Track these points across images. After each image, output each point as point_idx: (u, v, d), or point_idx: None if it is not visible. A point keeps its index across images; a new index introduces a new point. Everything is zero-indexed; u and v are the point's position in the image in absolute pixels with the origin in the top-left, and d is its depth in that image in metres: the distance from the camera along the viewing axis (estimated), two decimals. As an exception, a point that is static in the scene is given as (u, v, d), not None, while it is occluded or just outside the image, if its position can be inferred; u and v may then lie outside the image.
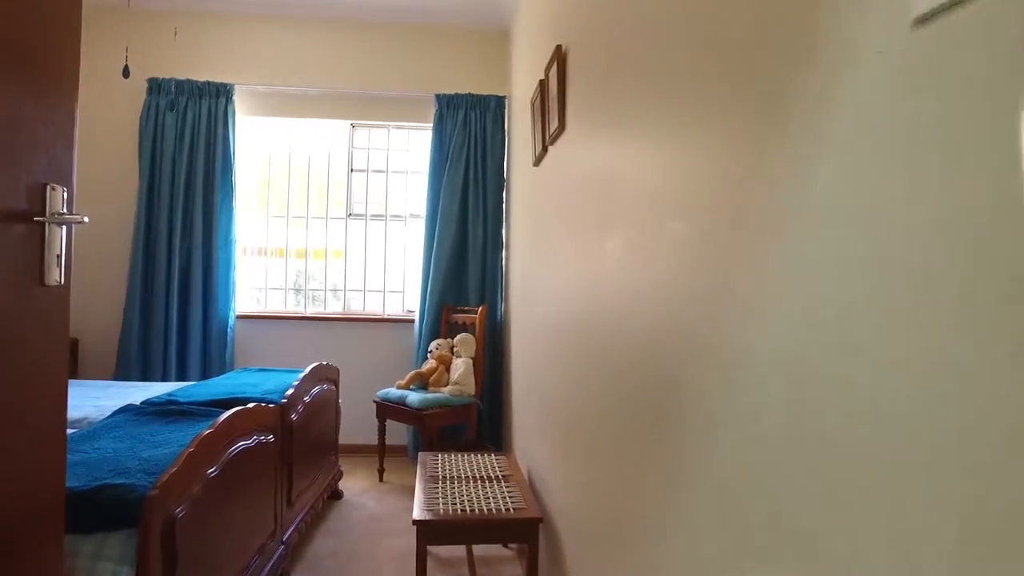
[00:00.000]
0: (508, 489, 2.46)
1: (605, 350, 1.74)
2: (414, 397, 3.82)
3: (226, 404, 2.64)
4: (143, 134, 4.38)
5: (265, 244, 4.86)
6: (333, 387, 3.65)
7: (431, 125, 4.60)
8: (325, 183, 4.80)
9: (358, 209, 4.81)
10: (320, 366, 3.35)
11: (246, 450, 2.26)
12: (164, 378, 4.30)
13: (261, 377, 3.44)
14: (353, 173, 4.81)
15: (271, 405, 2.55)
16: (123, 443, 2.08)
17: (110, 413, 2.56)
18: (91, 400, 3.11)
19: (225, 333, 4.40)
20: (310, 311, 4.71)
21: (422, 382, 4.09)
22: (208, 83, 4.41)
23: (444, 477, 2.58)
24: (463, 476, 2.61)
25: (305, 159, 4.78)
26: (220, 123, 4.41)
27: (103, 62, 4.52)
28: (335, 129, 4.81)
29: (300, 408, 2.89)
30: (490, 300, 4.50)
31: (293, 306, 4.81)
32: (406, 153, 4.84)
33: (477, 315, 4.20)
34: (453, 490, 2.43)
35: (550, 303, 2.66)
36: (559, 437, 2.35)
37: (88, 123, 4.49)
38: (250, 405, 2.39)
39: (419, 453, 3.07)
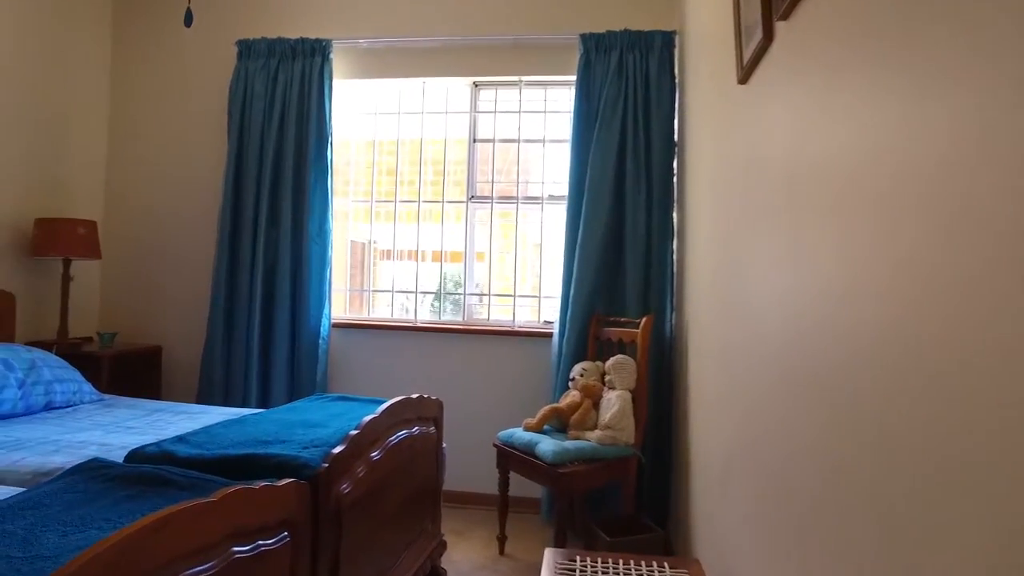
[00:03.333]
0: None
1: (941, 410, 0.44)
2: (548, 445, 2.66)
3: (241, 465, 1.64)
4: (232, 107, 3.65)
5: (368, 237, 3.96)
6: (433, 427, 2.59)
7: (574, 77, 3.45)
8: (441, 159, 3.81)
9: (482, 191, 3.77)
10: (406, 401, 2.28)
11: (230, 566, 1.22)
12: (245, 400, 3.49)
13: (334, 411, 2.46)
14: (476, 145, 3.78)
15: (294, 482, 1.50)
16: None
17: (68, 469, 1.64)
18: (118, 432, 2.30)
19: (316, 345, 3.52)
20: (421, 320, 3.73)
21: (560, 422, 2.93)
22: (301, 40, 3.59)
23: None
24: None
25: (415, 129, 3.82)
26: (315, 87, 3.56)
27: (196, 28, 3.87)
28: (453, 91, 3.81)
29: (360, 472, 1.83)
30: (656, 309, 3.24)
31: (401, 313, 3.85)
32: (542, 117, 3.73)
33: (639, 329, 2.96)
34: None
35: (780, 317, 1.40)
36: (812, 555, 1.07)
37: (178, 101, 3.85)
38: (257, 484, 1.36)
39: (546, 550, 1.91)
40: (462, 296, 3.77)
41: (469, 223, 3.75)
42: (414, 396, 2.36)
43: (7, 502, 1.40)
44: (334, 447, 1.77)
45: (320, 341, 3.53)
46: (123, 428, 2.43)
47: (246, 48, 3.65)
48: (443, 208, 3.79)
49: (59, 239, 3.35)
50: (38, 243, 3.35)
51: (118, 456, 1.96)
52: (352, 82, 3.74)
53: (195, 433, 2.02)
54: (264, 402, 3.50)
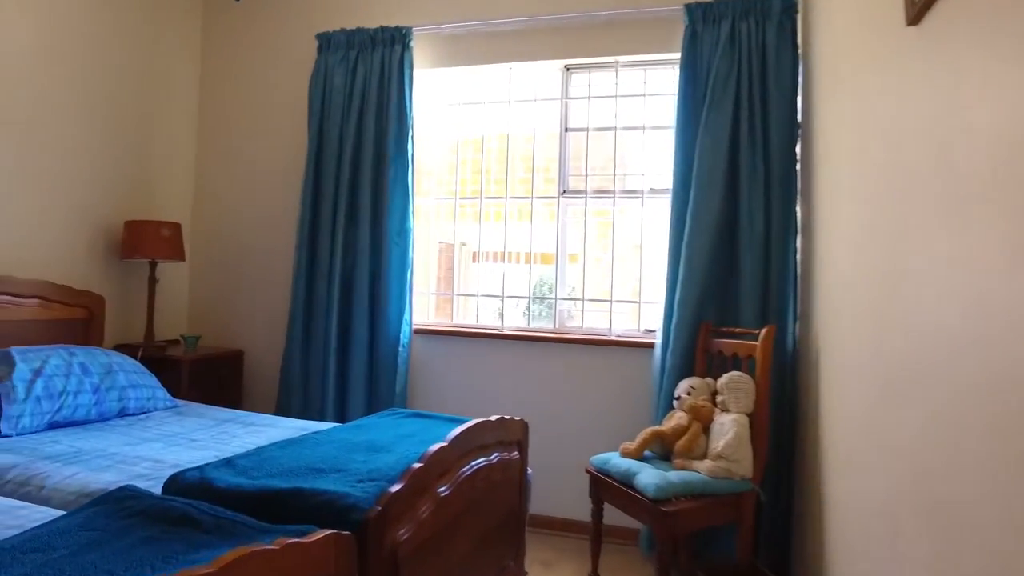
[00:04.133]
0: None
1: None
2: (649, 477, 2.28)
3: (282, 501, 1.39)
4: (312, 103, 3.50)
5: (456, 237, 3.71)
6: (516, 452, 2.27)
7: (678, 54, 3.04)
8: (529, 152, 3.50)
9: (575, 185, 3.42)
10: (484, 425, 1.97)
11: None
12: (322, 411, 3.31)
13: (405, 430, 2.19)
14: (568, 134, 3.44)
15: (332, 535, 1.22)
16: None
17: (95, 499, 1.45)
18: (178, 446, 2.16)
19: (396, 353, 3.30)
20: (508, 327, 3.43)
21: (663, 448, 2.53)
22: (381, 29, 3.38)
23: None
24: None
25: (501, 121, 3.52)
26: (394, 77, 3.35)
27: (278, 23, 3.78)
28: (543, 76, 3.49)
29: (424, 512, 1.54)
30: (777, 319, 2.77)
31: (489, 319, 3.57)
32: (641, 101, 3.33)
33: (758, 342, 2.51)
34: None
35: (983, 334, 0.98)
36: None
37: (263, 100, 3.76)
38: (279, 543, 1.09)
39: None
40: (553, 301, 3.43)
41: (561, 221, 3.41)
42: (493, 418, 2.04)
43: (12, 541, 1.20)
44: (392, 483, 1.48)
45: (400, 349, 3.30)
46: (185, 441, 2.28)
47: (326, 41, 3.49)
48: (532, 205, 3.47)
49: (145, 241, 3.31)
50: (126, 245, 3.32)
51: (167, 475, 1.78)
52: (434, 72, 3.50)
53: (246, 455, 1.80)
54: (341, 414, 3.31)
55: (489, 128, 3.55)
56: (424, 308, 3.60)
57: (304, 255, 3.43)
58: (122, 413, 2.62)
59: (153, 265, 3.42)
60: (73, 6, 3.17)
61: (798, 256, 2.83)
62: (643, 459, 2.50)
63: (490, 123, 3.54)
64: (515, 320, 3.54)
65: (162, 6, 3.67)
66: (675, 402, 2.63)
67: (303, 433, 2.28)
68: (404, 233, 3.34)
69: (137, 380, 2.73)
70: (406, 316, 3.33)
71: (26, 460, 1.98)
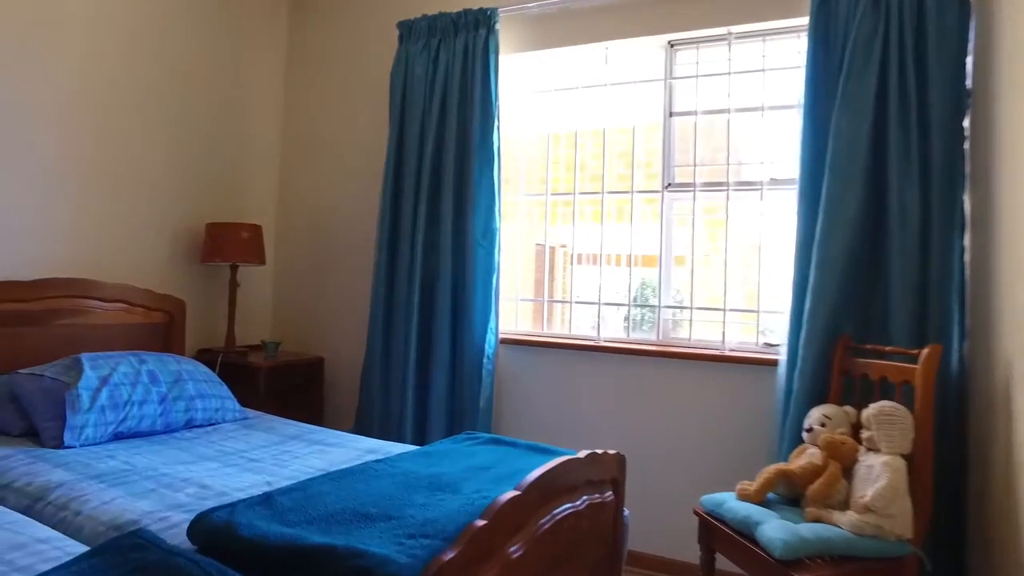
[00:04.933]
0: None
1: None
2: (775, 530, 1.84)
3: (309, 561, 1.12)
4: (393, 95, 3.28)
5: (544, 239, 3.38)
6: (610, 492, 1.90)
7: (805, 19, 2.55)
8: (628, 143, 3.11)
9: (682, 176, 3.00)
10: (569, 465, 1.62)
11: None
12: (400, 428, 3.07)
13: (480, 461, 1.89)
14: (673, 119, 3.02)
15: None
16: None
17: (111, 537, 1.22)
18: (233, 467, 1.99)
19: (480, 364, 3.01)
20: (605, 337, 3.05)
21: (790, 490, 2.08)
22: (464, 12, 3.11)
23: None
24: None
25: (597, 109, 3.15)
26: (478, 63, 3.06)
27: (362, 15, 3.61)
28: (643, 56, 3.08)
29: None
30: (938, 336, 2.24)
31: (583, 328, 3.21)
32: (759, 77, 2.86)
33: (917, 365, 2.00)
34: None
35: None
36: None
37: (346, 96, 3.60)
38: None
39: None
40: (656, 309, 3.03)
41: (665, 217, 2.99)
42: (583, 455, 1.69)
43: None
44: (448, 542, 1.17)
45: (484, 360, 3.01)
46: (243, 460, 2.08)
47: (407, 30, 3.26)
48: (632, 201, 3.07)
49: (225, 244, 3.21)
50: (207, 248, 3.23)
51: (209, 504, 1.56)
52: (521, 56, 3.19)
53: (291, 491, 1.55)
54: (420, 431, 3.06)
55: (583, 117, 3.19)
56: (515, 315, 3.29)
57: (384, 257, 3.22)
58: (189, 424, 2.48)
59: (234, 268, 3.32)
60: (157, 6, 3.12)
61: (966, 258, 2.28)
62: (765, 504, 2.06)
63: (584, 111, 3.18)
64: (614, 330, 3.15)
65: (247, 4, 3.58)
66: (805, 434, 2.16)
67: (367, 459, 2.02)
68: (490, 233, 3.05)
69: (206, 390, 2.59)
70: (491, 324, 3.03)
71: (74, 478, 1.84)
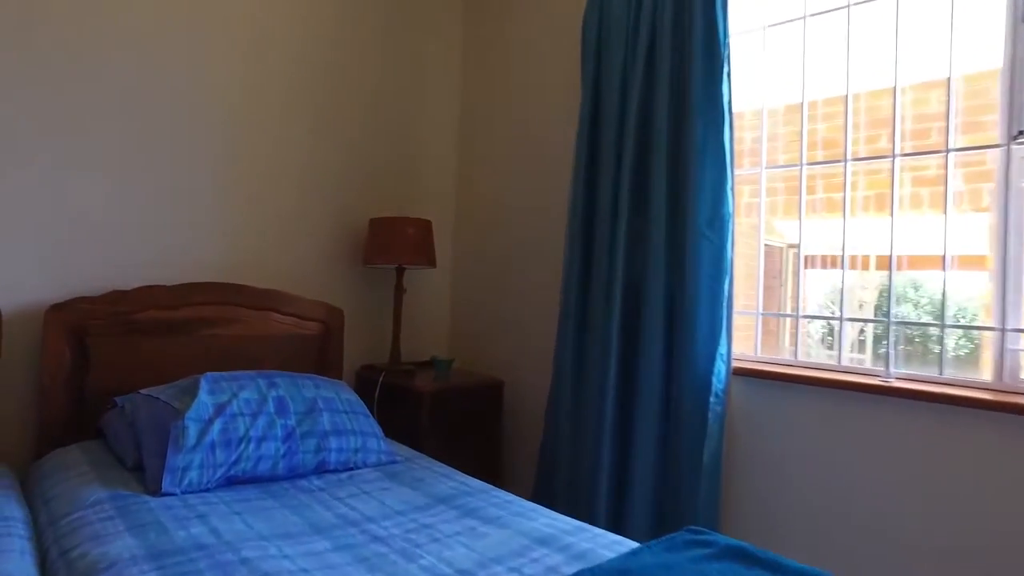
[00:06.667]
0: None
1: None
2: None
3: None
4: (586, 47, 2.54)
5: (775, 234, 2.39)
6: None
7: None
8: (927, 98, 2.02)
9: (1036, 125, 1.86)
10: None
11: None
12: (591, 496, 2.28)
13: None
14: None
15: None
16: None
17: None
18: (345, 551, 1.41)
19: (704, 404, 2.12)
20: (897, 373, 2.00)
21: None
22: (686, -82, 2.27)
23: None
24: None
25: (867, 38, 2.10)
26: (702, -12, 2.20)
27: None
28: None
29: None
30: None
31: (866, 358, 2.17)
32: None
33: None
34: None
35: None
36: None
37: (528, 60, 2.96)
38: None
39: None
40: (988, 335, 1.90)
41: (1015, 186, 1.87)
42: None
43: None
44: None
45: (711, 398, 2.12)
46: (363, 539, 1.45)
47: (605, -38, 2.50)
48: (948, 165, 1.98)
49: (390, 243, 2.70)
50: (370, 247, 2.75)
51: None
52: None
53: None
54: (619, 504, 2.26)
55: (841, 63, 2.16)
56: (743, 336, 2.36)
57: (576, 257, 2.48)
58: (320, 469, 1.93)
59: (400, 271, 2.80)
60: (318, -32, 2.72)
61: None
62: None
63: (842, 51, 2.16)
64: (904, 363, 2.08)
65: (421, -35, 3.09)
66: None
67: (533, 556, 1.27)
68: (720, 222, 2.16)
69: (345, 424, 2.04)
70: (721, 348, 2.14)
71: (135, 553, 1.33)
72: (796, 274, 2.33)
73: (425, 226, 2.77)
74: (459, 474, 2.01)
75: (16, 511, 1.58)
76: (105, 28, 2.22)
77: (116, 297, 2.19)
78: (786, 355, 2.28)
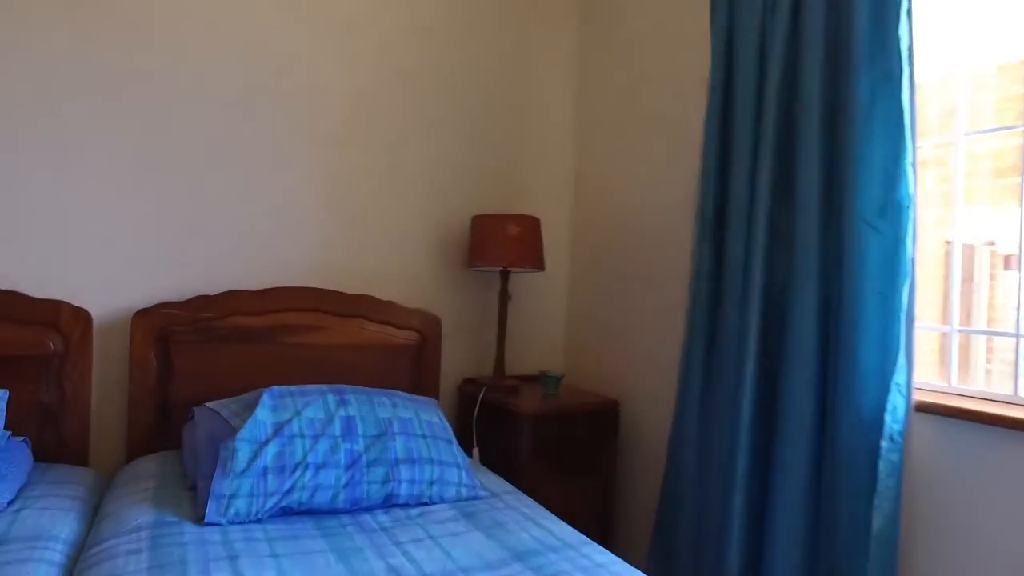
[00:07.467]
0: None
1: None
2: None
3: None
4: (715, 10, 2.10)
5: (952, 228, 1.78)
6: None
7: None
8: None
9: None
10: None
11: None
12: (718, 561, 1.84)
13: None
14: None
15: None
16: None
17: None
18: None
19: (874, 448, 1.60)
20: None
21: None
22: None
23: None
24: None
25: None
26: (874, -98, 1.69)
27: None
28: None
29: None
30: None
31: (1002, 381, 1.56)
32: None
33: None
34: None
35: None
36: None
37: (651, 40, 2.58)
38: None
39: None
40: None
41: None
42: None
43: None
44: None
45: (884, 443, 1.60)
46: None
47: None
48: None
49: (491, 244, 2.41)
50: (472, 248, 2.48)
51: None
52: None
53: None
54: (755, 568, 1.79)
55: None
56: (925, 360, 1.80)
57: (705, 259, 2.05)
58: (388, 502, 1.67)
59: (504, 276, 2.51)
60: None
61: None
62: None
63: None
64: None
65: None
66: None
67: None
68: (894, 209, 1.64)
69: (421, 451, 1.77)
70: (898, 376, 1.61)
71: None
72: (990, 278, 1.73)
73: (531, 224, 2.45)
74: (549, 518, 1.66)
75: (64, 530, 1.47)
76: (212, 30, 2.16)
77: (200, 302, 2.10)
78: (994, 386, 1.69)
